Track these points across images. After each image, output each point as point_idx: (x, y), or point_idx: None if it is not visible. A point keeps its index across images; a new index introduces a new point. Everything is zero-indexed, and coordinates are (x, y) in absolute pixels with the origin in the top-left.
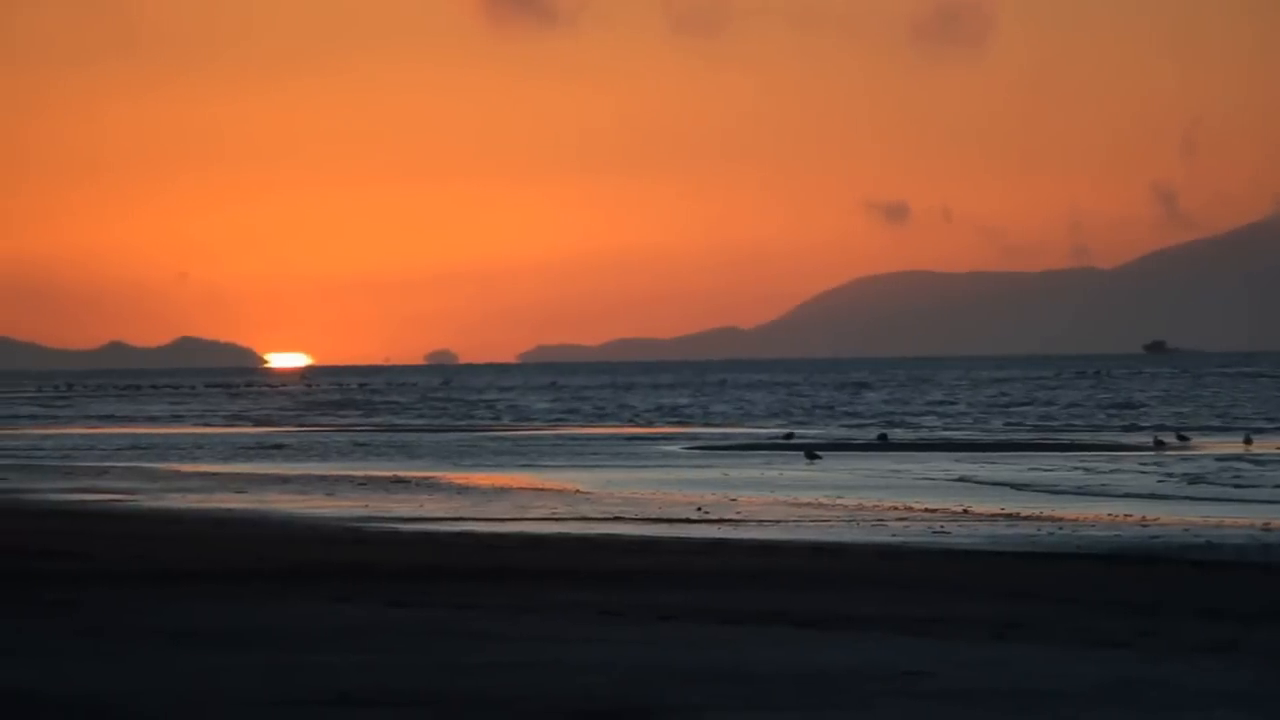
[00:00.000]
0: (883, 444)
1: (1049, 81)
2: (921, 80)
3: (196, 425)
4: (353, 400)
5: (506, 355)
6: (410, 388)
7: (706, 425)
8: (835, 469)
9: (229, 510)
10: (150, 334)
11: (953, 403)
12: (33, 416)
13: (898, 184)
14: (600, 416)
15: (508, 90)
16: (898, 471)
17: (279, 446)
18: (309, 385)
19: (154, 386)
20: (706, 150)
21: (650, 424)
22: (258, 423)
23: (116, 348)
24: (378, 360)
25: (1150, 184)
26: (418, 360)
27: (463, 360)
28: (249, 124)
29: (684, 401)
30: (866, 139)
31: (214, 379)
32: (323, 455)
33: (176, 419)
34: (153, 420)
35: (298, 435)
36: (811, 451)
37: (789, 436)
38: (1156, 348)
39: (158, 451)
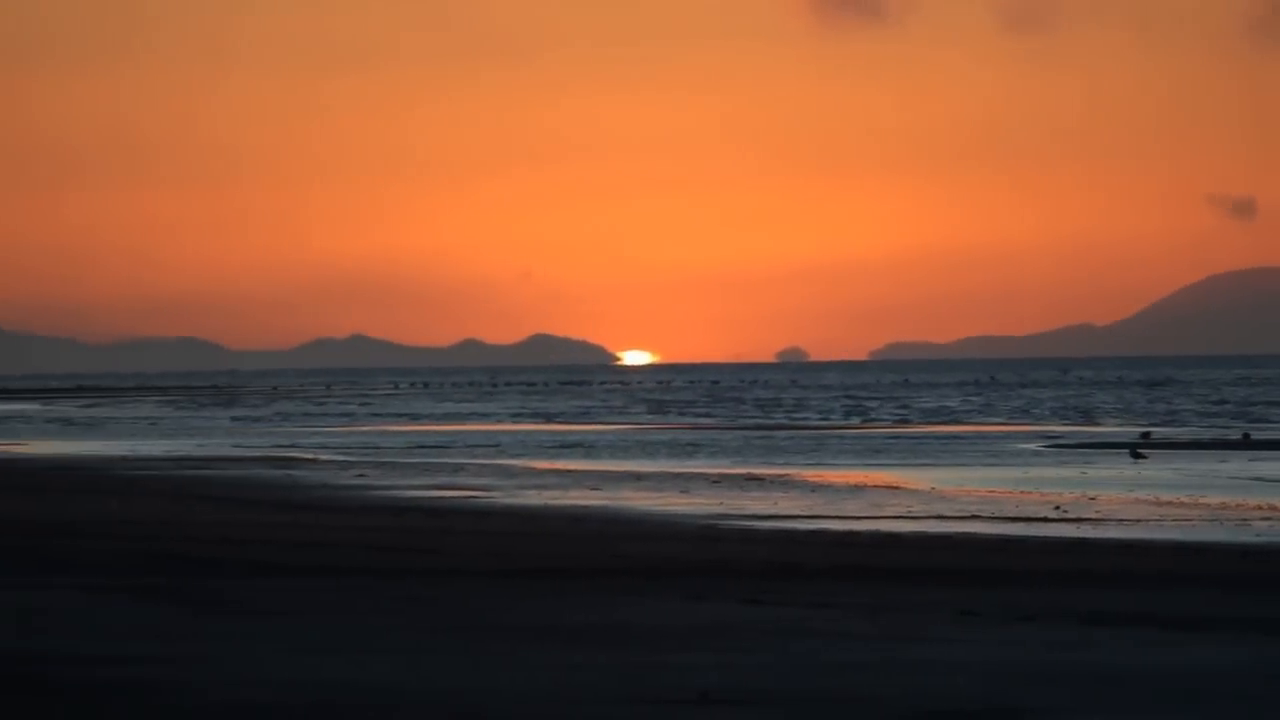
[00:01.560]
0: (1244, 443)
1: None
2: (1260, 75)
3: (545, 423)
4: (711, 397)
5: (858, 352)
6: (761, 385)
7: (1063, 424)
8: (1187, 469)
9: (584, 507)
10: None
11: None
12: (392, 414)
13: (1242, 180)
14: (974, 412)
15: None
16: (1256, 473)
17: (637, 444)
18: (662, 383)
19: (507, 384)
20: (1040, 148)
21: (1006, 421)
22: (610, 420)
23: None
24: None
25: None
26: (768, 358)
27: (812, 358)
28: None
29: (1044, 397)
30: (1206, 135)
31: (566, 376)
32: (674, 453)
33: (526, 415)
34: (507, 416)
35: (649, 433)
36: (1136, 450)
37: (1146, 435)
38: None
39: (511, 449)
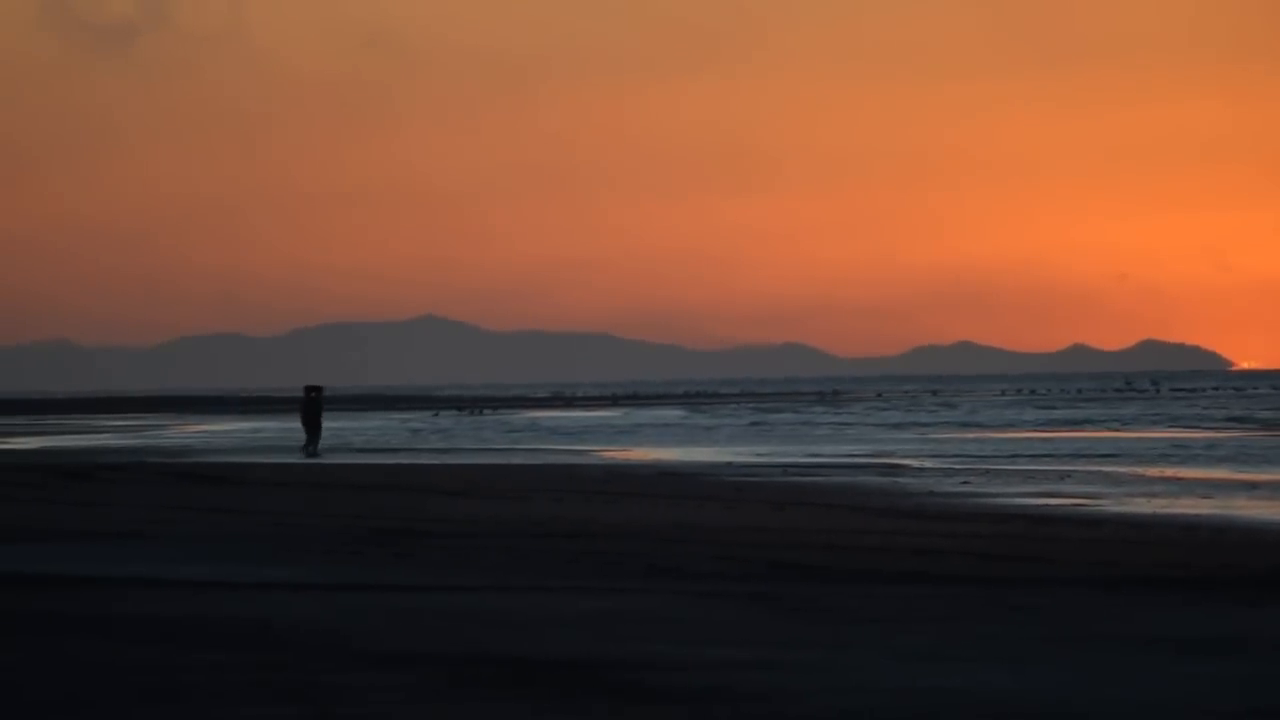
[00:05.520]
0: None
1: None
2: None
3: (1160, 429)
4: None
5: None
6: None
7: None
8: None
9: (1195, 515)
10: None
11: None
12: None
13: None
14: None
15: None
16: None
17: (1248, 451)
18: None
19: (1116, 390)
20: None
21: None
22: (1217, 427)
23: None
24: None
25: None
26: None
27: None
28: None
29: None
30: None
31: (1176, 383)
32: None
33: (1145, 422)
34: (1121, 424)
35: (1260, 440)
36: None
37: None
38: None
39: (1119, 457)
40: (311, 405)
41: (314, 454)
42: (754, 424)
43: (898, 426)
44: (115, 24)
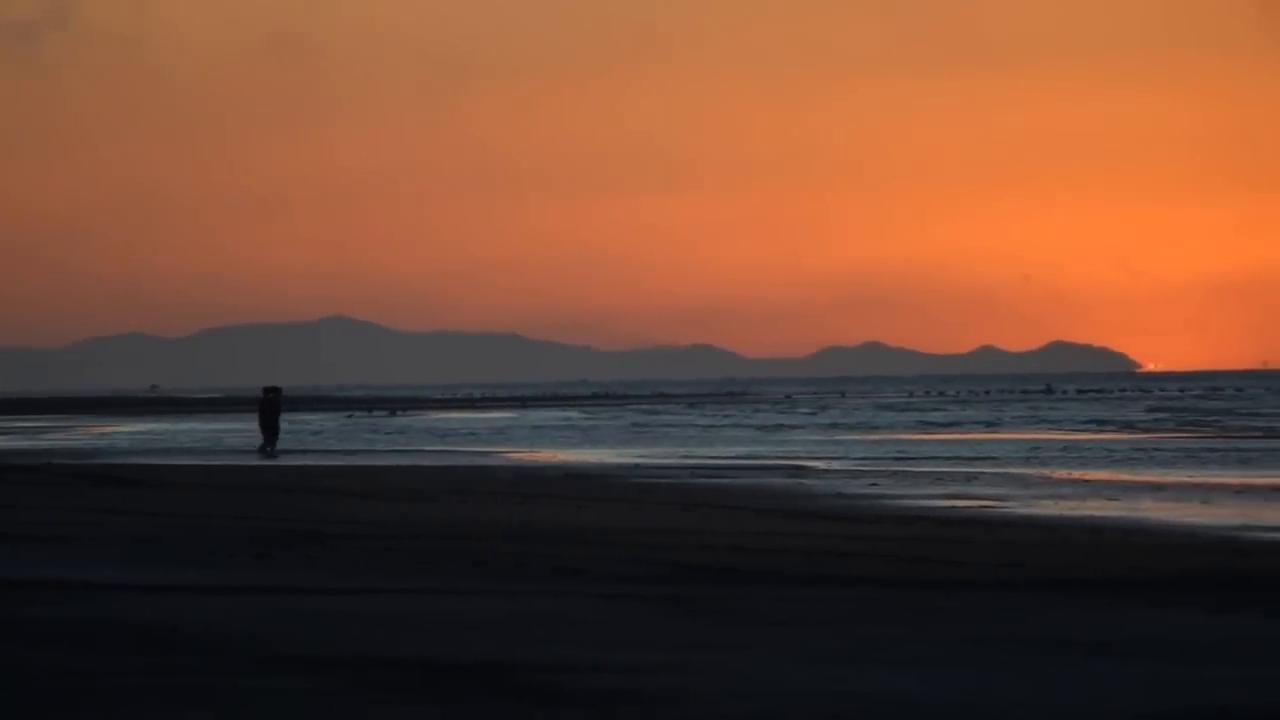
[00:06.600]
0: None
1: None
2: None
3: (1064, 431)
4: (1230, 404)
5: None
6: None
7: None
8: None
9: (1102, 518)
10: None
11: None
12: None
13: None
14: None
15: None
16: None
17: (1154, 453)
18: (1184, 391)
19: (1024, 391)
20: None
21: None
22: (1122, 429)
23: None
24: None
25: None
26: None
27: None
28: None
29: None
30: None
31: (1084, 384)
32: (1192, 464)
33: (1045, 424)
34: (1021, 424)
35: (1168, 442)
36: None
37: None
38: None
39: (1028, 458)
40: (269, 406)
41: (272, 454)
42: (663, 425)
43: (805, 428)
44: (16, 23)
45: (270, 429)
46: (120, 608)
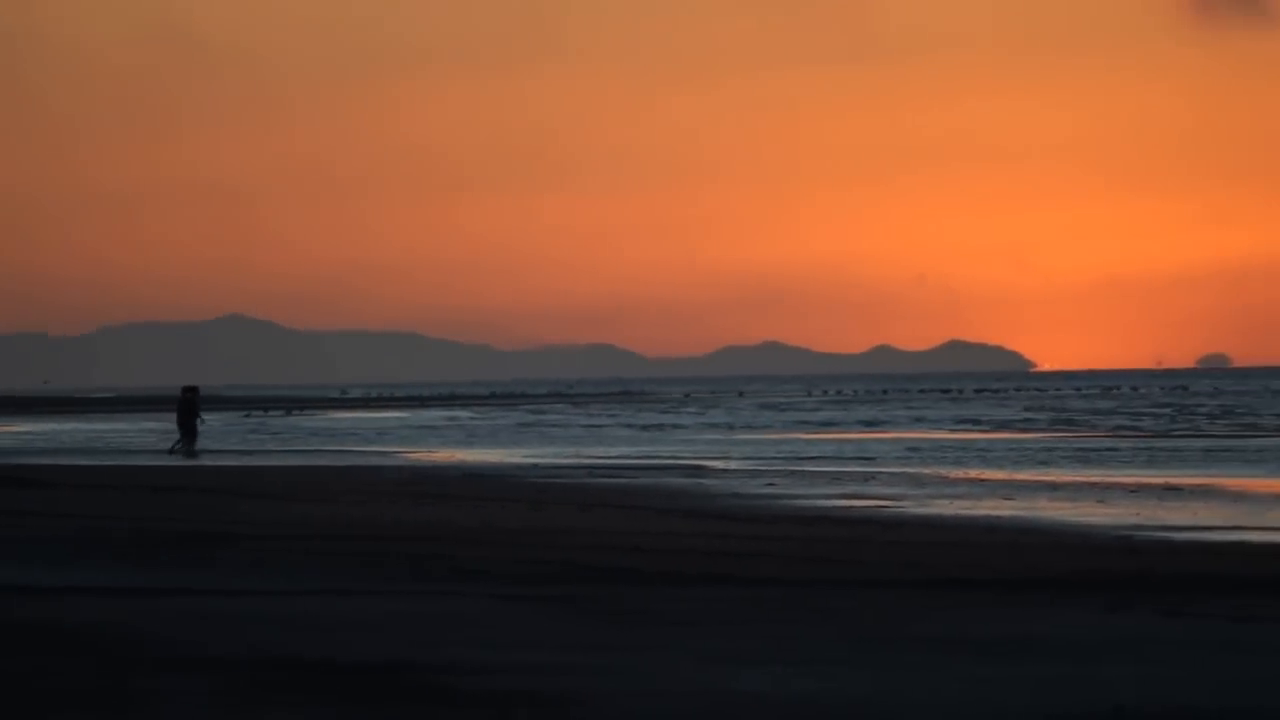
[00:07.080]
0: None
1: None
2: None
3: (962, 431)
4: (1122, 403)
5: None
6: (1182, 391)
7: None
8: None
9: (998, 517)
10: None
11: None
12: (818, 423)
13: None
14: None
15: (1245, 89)
16: None
17: (1049, 450)
18: (1078, 390)
19: (921, 391)
20: None
21: None
22: (1022, 427)
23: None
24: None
25: None
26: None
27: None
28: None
29: None
30: None
31: (982, 384)
32: (1090, 461)
33: (940, 423)
34: (921, 424)
35: (1065, 441)
36: None
37: None
38: None
39: (924, 457)
40: (186, 406)
41: (192, 453)
42: (549, 424)
43: (705, 427)
44: None
45: (188, 429)
46: (9, 609)
